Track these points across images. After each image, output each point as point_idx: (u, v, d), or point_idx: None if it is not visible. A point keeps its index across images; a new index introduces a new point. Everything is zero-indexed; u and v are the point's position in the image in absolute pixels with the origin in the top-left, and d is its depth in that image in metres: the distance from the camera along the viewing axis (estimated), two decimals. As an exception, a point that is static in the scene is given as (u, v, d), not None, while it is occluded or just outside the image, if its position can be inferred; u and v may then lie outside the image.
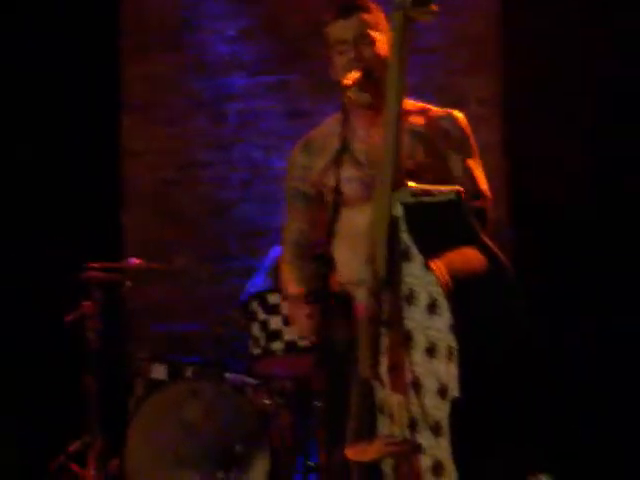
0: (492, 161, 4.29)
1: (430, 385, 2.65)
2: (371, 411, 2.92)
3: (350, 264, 3.12)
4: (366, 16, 3.13)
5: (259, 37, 6.21)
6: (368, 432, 2.89)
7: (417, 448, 2.79)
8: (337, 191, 2.91)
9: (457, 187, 2.75)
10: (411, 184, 2.80)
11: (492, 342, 2.65)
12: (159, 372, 5.07)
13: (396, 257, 2.77)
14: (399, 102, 2.77)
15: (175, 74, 6.27)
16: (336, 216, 2.82)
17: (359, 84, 2.95)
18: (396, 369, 2.84)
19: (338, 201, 2.83)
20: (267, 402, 4.86)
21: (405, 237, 2.73)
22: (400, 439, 2.84)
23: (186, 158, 6.31)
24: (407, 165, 2.92)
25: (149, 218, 6.30)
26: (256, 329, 4.78)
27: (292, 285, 3.44)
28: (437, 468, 2.78)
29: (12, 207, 6.01)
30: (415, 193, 2.80)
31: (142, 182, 6.33)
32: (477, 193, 3.12)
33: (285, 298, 3.72)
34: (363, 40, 3.10)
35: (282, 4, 6.08)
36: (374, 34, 3.12)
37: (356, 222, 3.07)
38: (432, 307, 2.67)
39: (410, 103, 3.14)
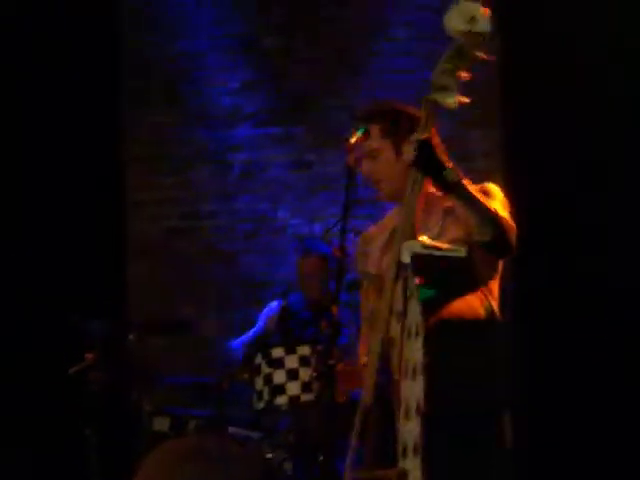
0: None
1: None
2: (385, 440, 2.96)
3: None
4: (376, 128, 3.20)
5: (262, 89, 6.25)
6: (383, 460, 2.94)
7: (404, 475, 2.88)
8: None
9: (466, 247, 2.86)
10: (423, 238, 2.87)
11: (458, 390, 2.80)
12: (162, 425, 5.06)
13: (405, 296, 2.88)
14: (419, 190, 2.90)
15: (178, 125, 6.31)
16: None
17: (382, 191, 3.17)
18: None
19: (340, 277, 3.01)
20: (270, 456, 4.78)
21: (410, 281, 2.83)
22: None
23: (190, 208, 6.34)
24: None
25: (154, 268, 6.31)
26: (260, 383, 4.77)
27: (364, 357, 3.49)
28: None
29: (18, 261, 6.00)
30: (426, 246, 2.86)
31: (146, 232, 6.35)
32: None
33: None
34: (371, 155, 3.20)
35: (285, 56, 6.10)
36: (382, 145, 3.18)
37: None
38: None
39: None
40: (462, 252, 2.85)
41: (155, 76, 6.34)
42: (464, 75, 2.88)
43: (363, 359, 3.37)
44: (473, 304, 2.95)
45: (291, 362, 4.83)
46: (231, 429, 4.86)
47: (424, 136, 2.85)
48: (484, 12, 2.82)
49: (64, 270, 5.98)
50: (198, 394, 5.36)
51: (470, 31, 2.83)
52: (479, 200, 3.00)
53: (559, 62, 5.48)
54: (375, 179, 3.20)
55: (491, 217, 3.03)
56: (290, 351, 4.80)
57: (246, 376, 4.94)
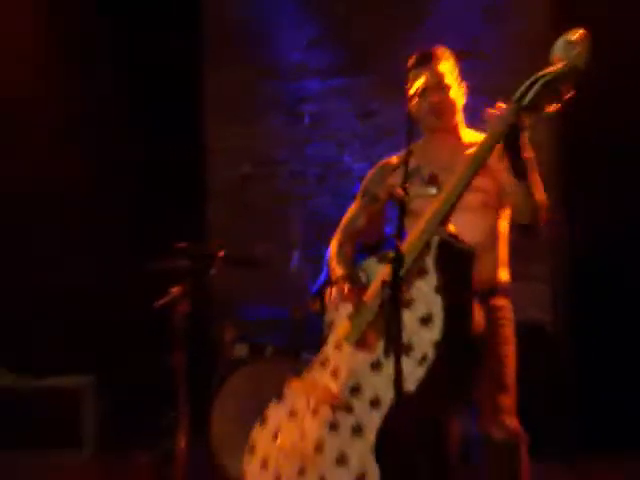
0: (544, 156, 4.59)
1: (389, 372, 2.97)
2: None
3: None
4: (439, 66, 3.43)
5: (328, 45, 6.46)
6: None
7: (348, 408, 3.21)
8: (402, 204, 3.19)
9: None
10: (452, 227, 3.15)
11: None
12: (241, 351, 5.41)
13: (413, 270, 3.14)
14: (475, 171, 3.12)
15: (253, 80, 6.56)
16: (401, 225, 3.07)
17: (431, 121, 3.39)
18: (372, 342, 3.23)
19: (402, 213, 3.08)
20: None
21: (428, 260, 3.11)
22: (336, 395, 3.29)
23: (265, 155, 6.62)
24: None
25: (232, 210, 6.61)
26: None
27: (339, 267, 3.67)
28: (357, 430, 3.21)
29: (113, 204, 6.32)
30: (451, 234, 3.15)
31: (225, 178, 6.65)
32: (533, 207, 3.33)
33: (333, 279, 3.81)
34: (436, 87, 3.41)
35: (347, 12, 6.28)
36: (446, 81, 3.44)
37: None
38: (425, 320, 3.07)
39: (475, 135, 3.49)
40: (472, 250, 3.14)
41: (231, 36, 6.58)
42: (552, 107, 3.07)
43: (339, 271, 3.62)
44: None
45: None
46: (303, 355, 5.11)
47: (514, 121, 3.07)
48: (588, 48, 3.01)
49: (152, 213, 6.26)
50: (274, 323, 5.75)
51: (571, 63, 3.01)
52: (535, 192, 3.24)
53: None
54: (442, 109, 3.44)
55: (536, 208, 3.28)
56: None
57: (317, 307, 5.19)
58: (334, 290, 3.58)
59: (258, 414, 4.63)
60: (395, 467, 3.22)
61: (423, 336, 3.08)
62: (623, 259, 5.68)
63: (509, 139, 3.13)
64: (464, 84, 3.50)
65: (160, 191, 6.32)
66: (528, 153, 3.18)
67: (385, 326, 3.07)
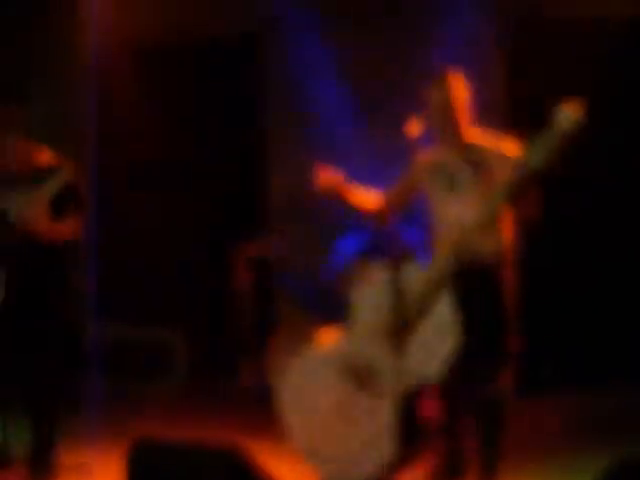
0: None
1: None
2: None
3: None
4: (451, 87, 3.79)
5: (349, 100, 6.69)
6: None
7: (367, 384, 3.62)
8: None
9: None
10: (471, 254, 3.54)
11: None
12: (292, 310, 6.03)
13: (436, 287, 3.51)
14: (505, 198, 3.50)
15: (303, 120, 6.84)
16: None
17: (445, 130, 3.77)
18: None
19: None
20: None
21: (445, 289, 3.52)
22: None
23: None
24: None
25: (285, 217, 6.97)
26: None
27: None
28: (375, 402, 3.63)
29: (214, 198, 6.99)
30: (468, 262, 3.54)
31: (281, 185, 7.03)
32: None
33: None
34: (446, 105, 3.77)
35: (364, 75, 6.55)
36: (456, 99, 3.77)
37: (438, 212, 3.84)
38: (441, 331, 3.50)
39: (477, 135, 3.85)
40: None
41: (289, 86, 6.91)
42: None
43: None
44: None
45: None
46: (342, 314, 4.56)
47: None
48: (581, 117, 3.33)
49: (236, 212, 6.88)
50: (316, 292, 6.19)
51: (572, 129, 3.32)
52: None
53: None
54: (452, 121, 3.76)
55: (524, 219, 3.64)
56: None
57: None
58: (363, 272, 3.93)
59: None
60: (407, 443, 3.58)
61: (436, 345, 3.48)
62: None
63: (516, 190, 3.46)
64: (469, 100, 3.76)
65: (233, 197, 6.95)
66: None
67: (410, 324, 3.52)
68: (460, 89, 3.81)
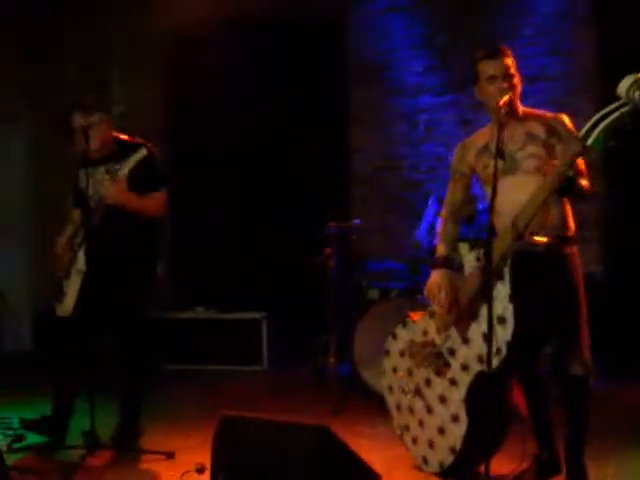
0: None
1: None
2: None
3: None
4: (507, 59, 3.62)
5: (438, 70, 7.30)
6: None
7: (446, 363, 3.58)
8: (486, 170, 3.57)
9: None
10: (539, 239, 3.40)
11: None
12: (373, 294, 6.02)
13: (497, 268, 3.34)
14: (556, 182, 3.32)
15: (384, 97, 7.53)
16: (492, 203, 3.23)
17: (506, 104, 3.46)
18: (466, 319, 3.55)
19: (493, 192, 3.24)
20: None
21: (506, 269, 3.36)
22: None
23: (392, 152, 7.47)
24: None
25: (367, 192, 7.52)
26: None
27: (441, 246, 3.86)
28: (453, 382, 3.58)
29: (282, 193, 7.23)
30: (530, 240, 3.40)
31: (363, 169, 7.59)
32: (580, 173, 3.51)
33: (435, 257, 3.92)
34: (507, 75, 3.58)
35: (454, 45, 7.03)
36: (512, 72, 3.60)
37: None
38: (501, 319, 3.36)
39: (530, 111, 3.69)
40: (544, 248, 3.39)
41: (368, 65, 7.52)
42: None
43: (439, 251, 3.83)
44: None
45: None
46: (418, 296, 5.42)
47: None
48: None
49: (315, 196, 7.08)
50: (397, 273, 6.22)
51: (630, 106, 3.06)
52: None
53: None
54: (507, 94, 3.50)
55: (580, 191, 3.43)
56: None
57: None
58: (434, 276, 3.75)
59: (386, 337, 4.69)
60: (480, 422, 3.54)
61: (499, 333, 3.34)
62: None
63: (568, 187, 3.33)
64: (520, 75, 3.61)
65: (319, 180, 7.15)
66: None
67: (478, 309, 3.45)
68: (513, 63, 3.66)
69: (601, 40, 6.42)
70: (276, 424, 3.28)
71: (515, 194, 3.47)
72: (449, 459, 3.63)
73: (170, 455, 4.33)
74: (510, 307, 3.31)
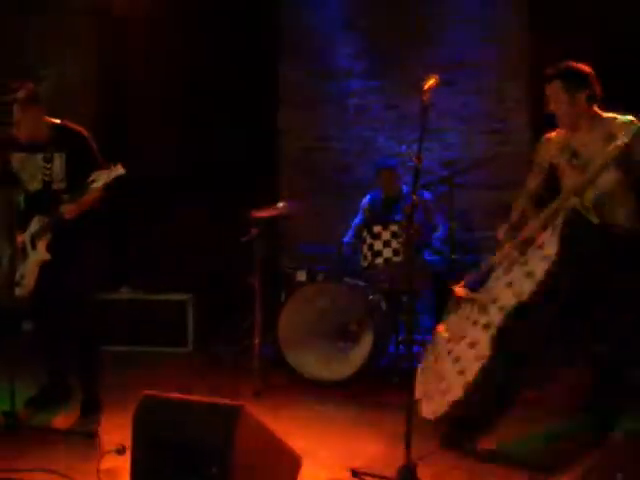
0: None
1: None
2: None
3: None
4: (560, 82, 3.95)
5: (367, 57, 7.35)
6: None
7: (484, 307, 3.79)
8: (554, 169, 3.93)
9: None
10: (586, 203, 3.67)
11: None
12: (301, 276, 6.03)
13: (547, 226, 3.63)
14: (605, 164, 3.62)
15: (314, 79, 7.45)
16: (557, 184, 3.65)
17: (559, 119, 3.95)
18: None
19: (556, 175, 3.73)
20: (372, 297, 5.56)
21: (558, 221, 3.63)
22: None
23: (322, 134, 7.44)
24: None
25: (296, 174, 7.46)
26: (365, 249, 5.67)
27: (500, 230, 4.17)
28: (487, 326, 3.77)
29: (219, 172, 7.06)
30: (584, 207, 3.67)
31: (291, 150, 7.54)
32: None
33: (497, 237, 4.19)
34: (557, 97, 3.97)
35: (380, 32, 7.13)
36: (564, 96, 3.94)
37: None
38: (529, 274, 3.64)
39: (606, 117, 3.96)
40: (596, 219, 3.59)
41: (300, 46, 7.45)
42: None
43: (499, 234, 4.12)
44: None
45: (385, 235, 5.62)
46: (346, 279, 5.66)
47: None
48: None
49: (243, 177, 6.96)
50: (324, 257, 6.32)
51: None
52: None
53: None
54: (558, 115, 3.96)
55: None
56: (385, 228, 5.65)
57: (355, 245, 5.85)
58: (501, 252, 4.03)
59: (313, 320, 5.31)
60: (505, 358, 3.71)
61: (525, 286, 3.67)
62: None
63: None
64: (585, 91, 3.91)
65: (247, 161, 7.09)
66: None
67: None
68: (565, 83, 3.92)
69: (531, 26, 6.48)
70: (194, 404, 3.29)
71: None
72: (459, 395, 3.77)
73: (91, 435, 4.28)
74: (542, 265, 3.53)
